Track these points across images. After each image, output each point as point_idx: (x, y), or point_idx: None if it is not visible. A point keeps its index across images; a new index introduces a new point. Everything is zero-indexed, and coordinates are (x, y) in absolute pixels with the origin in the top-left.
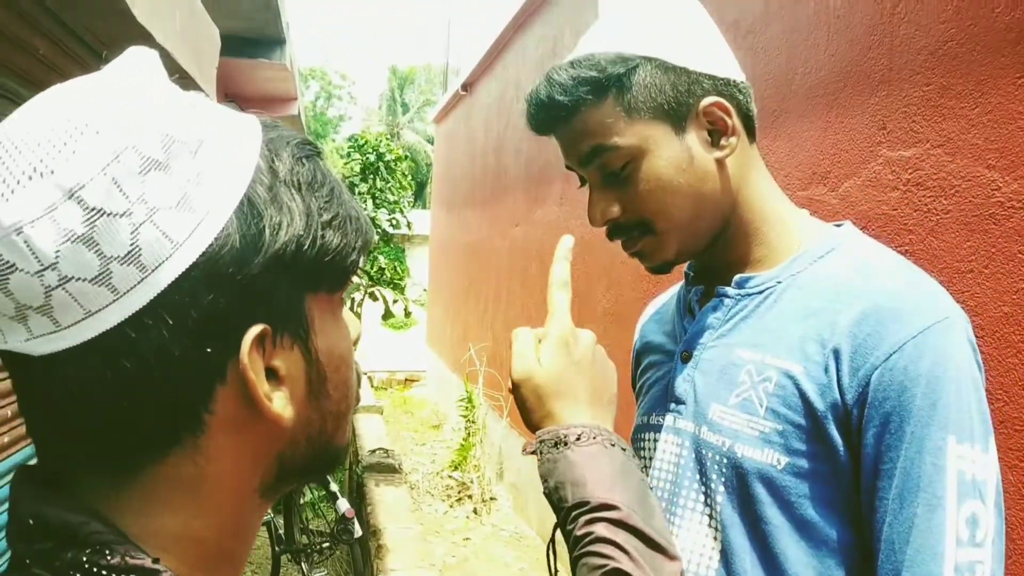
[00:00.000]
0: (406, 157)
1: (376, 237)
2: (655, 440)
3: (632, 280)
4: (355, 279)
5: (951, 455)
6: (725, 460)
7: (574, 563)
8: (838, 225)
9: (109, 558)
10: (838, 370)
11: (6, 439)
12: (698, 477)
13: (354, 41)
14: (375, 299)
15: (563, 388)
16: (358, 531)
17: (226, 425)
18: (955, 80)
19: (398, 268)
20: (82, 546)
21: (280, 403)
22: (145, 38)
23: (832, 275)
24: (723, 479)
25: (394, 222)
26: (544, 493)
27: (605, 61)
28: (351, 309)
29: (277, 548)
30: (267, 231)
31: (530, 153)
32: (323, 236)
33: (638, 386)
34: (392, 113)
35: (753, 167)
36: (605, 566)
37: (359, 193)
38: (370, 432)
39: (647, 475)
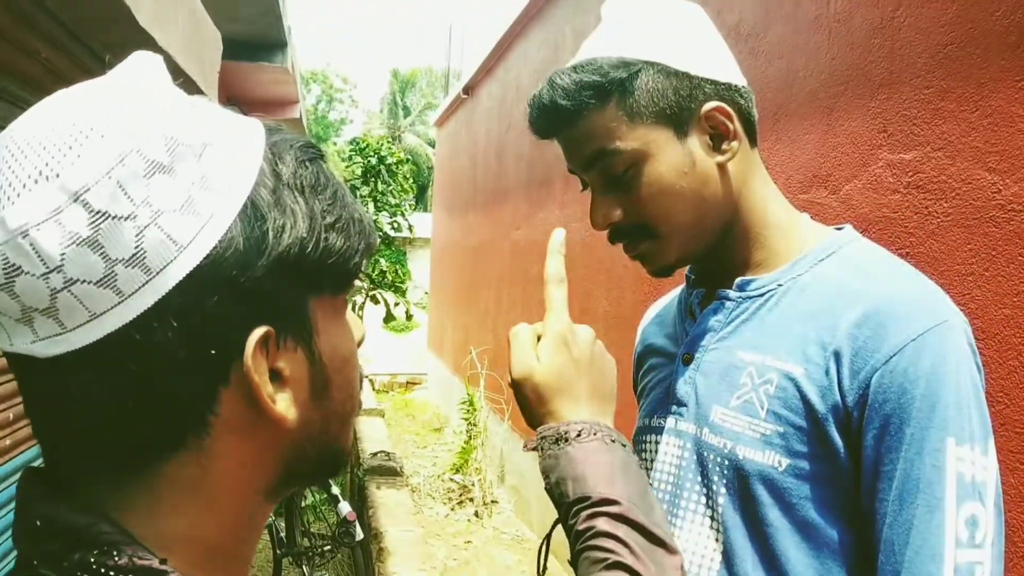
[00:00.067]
0: (407, 160)
1: (378, 240)
2: (657, 442)
3: (633, 283)
4: (357, 282)
5: (951, 457)
6: (726, 462)
7: (576, 557)
8: (839, 228)
9: (116, 559)
10: (839, 372)
11: (7, 442)
12: (699, 479)
13: (355, 43)
14: (376, 302)
15: (563, 385)
16: (359, 534)
17: (230, 427)
18: (955, 83)
19: (399, 271)
20: (89, 547)
21: (284, 405)
22: (148, 42)
23: (833, 278)
24: (724, 481)
25: (395, 225)
26: (545, 489)
27: (608, 65)
28: (352, 312)
29: (279, 551)
30: (271, 234)
31: (531, 156)
32: (326, 239)
33: (640, 388)
34: (393, 116)
35: (754, 171)
36: (607, 560)
37: (361, 196)
38: (372, 435)
39: (648, 477)
